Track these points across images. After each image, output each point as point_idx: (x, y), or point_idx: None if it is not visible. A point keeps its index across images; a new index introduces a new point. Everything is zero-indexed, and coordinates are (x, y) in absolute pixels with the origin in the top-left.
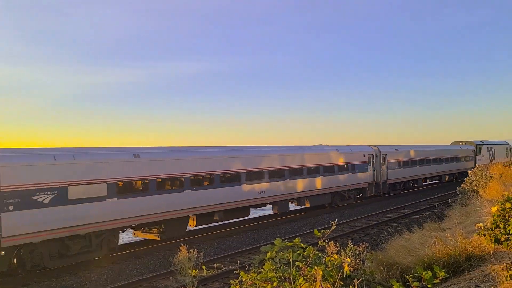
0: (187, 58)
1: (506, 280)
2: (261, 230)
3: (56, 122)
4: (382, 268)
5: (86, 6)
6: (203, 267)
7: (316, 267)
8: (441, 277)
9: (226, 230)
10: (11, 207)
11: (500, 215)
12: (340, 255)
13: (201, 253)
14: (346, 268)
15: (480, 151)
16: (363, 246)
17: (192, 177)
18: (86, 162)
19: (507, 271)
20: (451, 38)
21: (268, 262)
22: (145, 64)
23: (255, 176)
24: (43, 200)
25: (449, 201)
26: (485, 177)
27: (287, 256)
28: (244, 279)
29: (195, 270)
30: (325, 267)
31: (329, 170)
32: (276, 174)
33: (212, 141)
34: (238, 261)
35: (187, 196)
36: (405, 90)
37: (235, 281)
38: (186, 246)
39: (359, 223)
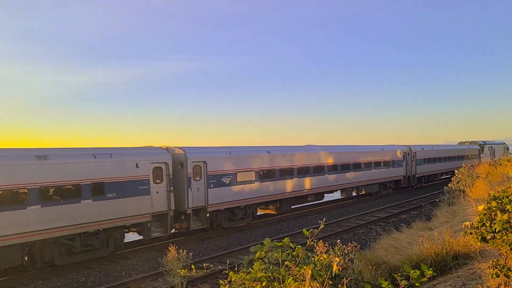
0: (177, 58)
1: (492, 277)
2: (250, 230)
3: (43, 121)
4: (370, 267)
5: (74, 5)
6: (192, 267)
7: (305, 267)
8: (428, 276)
9: (215, 230)
10: (211, 186)
11: (486, 214)
12: (329, 254)
13: (190, 254)
14: (335, 268)
15: (483, 150)
16: (352, 245)
17: (298, 168)
18: (243, 156)
19: (493, 269)
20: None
21: (257, 262)
22: (134, 64)
23: (333, 168)
24: (225, 181)
25: (437, 200)
26: (472, 176)
27: (276, 256)
28: (233, 279)
29: (184, 270)
30: (314, 267)
31: (378, 165)
32: (345, 168)
33: (210, 139)
34: (228, 261)
35: (296, 181)
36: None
37: (224, 281)
38: (175, 246)
39: (348, 223)
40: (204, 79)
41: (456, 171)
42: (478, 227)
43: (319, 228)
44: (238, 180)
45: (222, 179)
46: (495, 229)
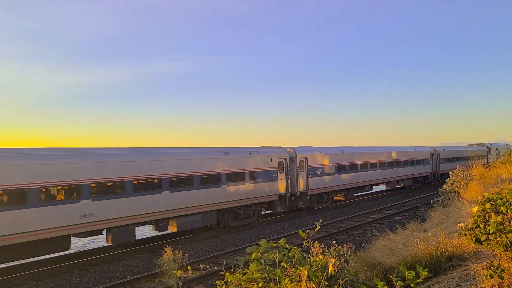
0: (173, 58)
1: (486, 279)
2: (245, 231)
3: (40, 120)
4: (366, 268)
5: (69, 5)
6: (189, 268)
7: (301, 268)
8: (423, 277)
9: (210, 231)
10: (310, 176)
11: (480, 215)
12: (324, 255)
13: (186, 255)
14: (330, 268)
15: (490, 151)
16: (347, 246)
17: (360, 164)
18: (328, 154)
19: (487, 270)
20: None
21: (253, 263)
22: (134, 64)
23: (381, 165)
24: (318, 173)
25: (431, 202)
26: (466, 178)
27: (273, 257)
28: (229, 280)
29: (181, 271)
30: (310, 268)
31: (413, 163)
32: (390, 165)
33: (206, 139)
34: (224, 262)
35: (358, 175)
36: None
37: (220, 282)
38: (171, 247)
39: (343, 224)
40: (203, 79)
41: (450, 173)
42: (472, 229)
43: (315, 229)
44: (325, 172)
45: (316, 171)
46: (489, 230)
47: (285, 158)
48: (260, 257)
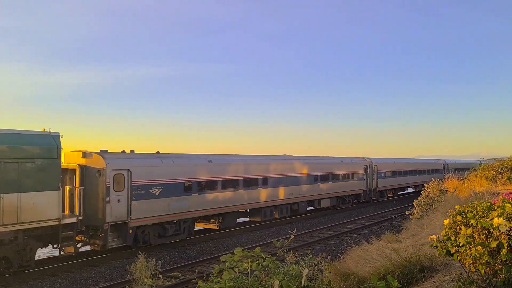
0: (153, 63)
1: None
2: (222, 239)
3: (14, 125)
4: (339, 278)
5: (51, 5)
6: (160, 276)
7: (274, 277)
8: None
9: (188, 238)
10: (379, 177)
11: (451, 228)
12: (299, 265)
13: (160, 262)
14: (304, 278)
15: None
16: (322, 256)
17: (407, 171)
18: (390, 163)
19: (457, 282)
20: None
21: (227, 271)
22: (109, 67)
23: (407, 172)
24: (382, 176)
25: (406, 213)
26: (440, 190)
27: (247, 266)
28: None
29: (152, 279)
30: (284, 277)
31: (429, 172)
32: (413, 173)
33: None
34: (196, 270)
35: (405, 178)
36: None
37: None
38: (144, 254)
39: (320, 234)
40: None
41: (425, 185)
42: (443, 241)
43: (289, 239)
44: (386, 176)
45: (381, 174)
46: (460, 243)
47: (367, 165)
48: (235, 265)
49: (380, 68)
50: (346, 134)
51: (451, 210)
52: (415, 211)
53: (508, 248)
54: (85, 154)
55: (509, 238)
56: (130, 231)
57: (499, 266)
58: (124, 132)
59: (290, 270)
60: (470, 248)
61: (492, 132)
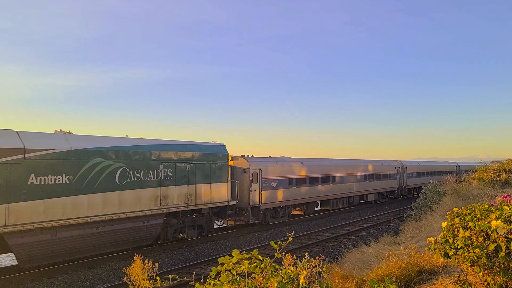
0: (150, 65)
1: None
2: (220, 241)
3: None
4: (337, 281)
5: (47, 6)
6: (157, 278)
7: (272, 279)
8: None
9: (185, 241)
10: (408, 177)
11: (449, 230)
12: (296, 267)
13: (157, 264)
14: (301, 280)
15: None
16: (319, 258)
17: (429, 172)
18: (417, 165)
19: (455, 285)
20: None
21: (224, 273)
22: (105, 69)
23: (429, 173)
24: (413, 176)
25: (404, 216)
26: (438, 193)
27: (245, 268)
28: None
29: (149, 281)
30: (281, 279)
31: (446, 173)
32: (433, 174)
33: None
34: (194, 272)
35: (428, 178)
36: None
37: None
38: (141, 256)
39: (318, 236)
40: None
41: (424, 187)
42: (441, 243)
43: (287, 241)
44: (414, 176)
45: (410, 175)
46: (457, 245)
47: (399, 167)
48: (232, 268)
49: (372, 70)
50: (347, 136)
51: (449, 213)
52: (412, 214)
53: (506, 251)
54: (233, 158)
55: (507, 241)
56: (261, 212)
57: (497, 269)
58: (122, 133)
59: (288, 272)
60: (468, 250)
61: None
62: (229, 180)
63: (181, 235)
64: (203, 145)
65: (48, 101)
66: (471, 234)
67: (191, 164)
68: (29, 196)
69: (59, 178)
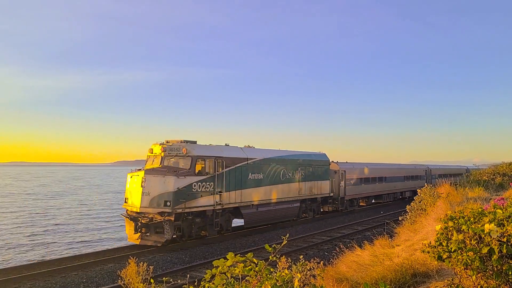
0: (141, 67)
1: None
2: (215, 244)
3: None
4: (332, 284)
5: (39, 8)
6: (151, 281)
7: (266, 282)
8: None
9: (179, 243)
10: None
11: (443, 233)
12: (291, 270)
13: (151, 267)
14: (296, 283)
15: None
16: (314, 261)
17: (446, 174)
18: (439, 168)
19: None
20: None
21: (218, 276)
22: (98, 71)
23: (446, 175)
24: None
25: (400, 218)
26: (433, 196)
27: (239, 271)
28: None
29: (143, 284)
30: (276, 282)
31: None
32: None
33: None
34: (188, 275)
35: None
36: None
37: None
38: (135, 259)
39: (313, 239)
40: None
41: (418, 190)
42: (435, 246)
43: (282, 244)
44: (436, 177)
45: (433, 176)
46: (451, 248)
47: (426, 169)
48: (227, 270)
49: (361, 74)
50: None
51: (443, 216)
52: (408, 216)
53: (499, 254)
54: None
55: (500, 244)
56: (345, 201)
57: (490, 272)
58: (113, 135)
59: (283, 275)
60: (461, 253)
61: (488, 137)
62: (329, 178)
63: (304, 215)
64: (315, 154)
65: (40, 104)
66: (464, 238)
67: (311, 167)
68: (248, 185)
69: (260, 175)
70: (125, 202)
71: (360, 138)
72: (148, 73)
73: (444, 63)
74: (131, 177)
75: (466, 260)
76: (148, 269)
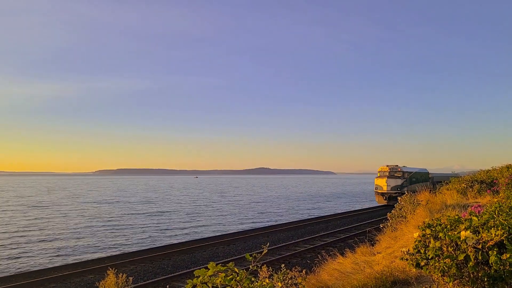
0: (126, 75)
1: None
2: (198, 252)
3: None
4: None
5: (23, 15)
6: None
7: None
8: None
9: (161, 253)
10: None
11: (421, 241)
12: (272, 279)
13: (130, 278)
14: None
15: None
16: (296, 270)
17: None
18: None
19: None
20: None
21: (199, 286)
22: (81, 78)
23: None
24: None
25: (380, 226)
26: (413, 203)
27: (220, 281)
28: None
29: None
30: None
31: None
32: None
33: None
34: (167, 286)
35: None
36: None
37: None
38: (114, 270)
39: (296, 247)
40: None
41: (399, 198)
42: (413, 253)
43: (262, 253)
44: None
45: None
46: (429, 255)
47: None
48: (208, 280)
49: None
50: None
51: (421, 224)
52: (388, 224)
53: (475, 261)
54: (392, 169)
55: (475, 251)
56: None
57: (466, 279)
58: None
59: (263, 284)
60: (438, 261)
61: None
62: (429, 180)
63: None
64: (422, 169)
65: (19, 112)
66: (441, 245)
67: (423, 175)
68: (412, 183)
69: (413, 179)
70: (376, 188)
71: (334, 145)
72: (131, 81)
73: (420, 70)
74: (378, 179)
75: (443, 267)
76: (128, 280)
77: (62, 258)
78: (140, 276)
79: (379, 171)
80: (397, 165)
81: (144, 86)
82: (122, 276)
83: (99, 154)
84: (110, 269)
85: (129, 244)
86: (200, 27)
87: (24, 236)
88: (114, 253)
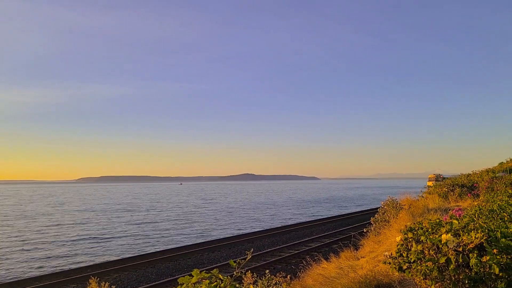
0: (109, 82)
1: None
2: (182, 260)
3: None
4: None
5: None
6: None
7: None
8: None
9: (145, 261)
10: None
11: (403, 244)
12: (257, 285)
13: (113, 287)
14: None
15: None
16: (280, 275)
17: None
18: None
19: None
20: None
21: None
22: (63, 85)
23: None
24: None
25: (364, 230)
26: (396, 207)
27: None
28: None
29: None
30: None
31: None
32: None
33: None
34: None
35: None
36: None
37: None
38: (96, 279)
39: (281, 252)
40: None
41: (381, 202)
42: (396, 257)
43: (246, 259)
44: None
45: None
46: (411, 259)
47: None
48: (194, 287)
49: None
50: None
51: (403, 227)
52: (372, 228)
53: (456, 264)
54: (437, 176)
55: (456, 254)
56: None
57: (448, 282)
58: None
59: None
60: (420, 264)
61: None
62: None
63: None
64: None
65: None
66: (423, 248)
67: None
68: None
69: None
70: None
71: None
72: (114, 87)
73: (400, 75)
74: (429, 182)
75: (425, 270)
76: None
77: (43, 268)
78: (124, 284)
79: (430, 177)
80: (439, 174)
81: (127, 92)
82: (104, 285)
83: (82, 161)
84: (93, 278)
85: (112, 253)
86: (184, 33)
87: (3, 245)
88: (97, 262)
